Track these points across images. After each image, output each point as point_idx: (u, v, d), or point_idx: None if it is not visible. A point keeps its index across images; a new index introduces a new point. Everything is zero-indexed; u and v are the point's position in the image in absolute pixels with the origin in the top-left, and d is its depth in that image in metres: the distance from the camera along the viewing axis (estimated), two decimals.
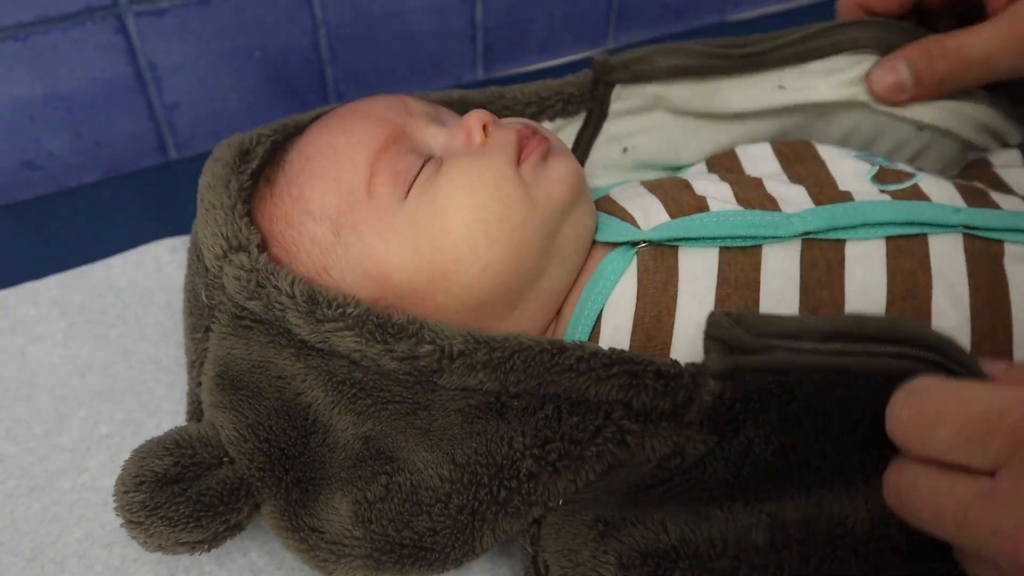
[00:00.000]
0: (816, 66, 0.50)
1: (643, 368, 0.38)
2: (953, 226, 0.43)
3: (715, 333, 0.38)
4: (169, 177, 0.69)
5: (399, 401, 0.41)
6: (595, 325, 0.44)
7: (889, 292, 0.42)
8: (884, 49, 0.49)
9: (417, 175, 0.44)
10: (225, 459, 0.42)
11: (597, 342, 0.44)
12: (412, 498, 0.40)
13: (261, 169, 0.49)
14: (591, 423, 0.39)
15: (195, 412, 0.47)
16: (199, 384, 0.46)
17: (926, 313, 0.42)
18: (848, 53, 0.50)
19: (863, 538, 0.37)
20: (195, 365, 0.46)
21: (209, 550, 0.42)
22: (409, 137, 0.46)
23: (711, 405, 0.38)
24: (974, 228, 0.43)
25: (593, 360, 0.39)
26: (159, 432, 0.52)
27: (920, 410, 0.32)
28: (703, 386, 0.38)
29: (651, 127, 0.54)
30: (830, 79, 0.50)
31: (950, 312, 0.42)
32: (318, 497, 0.41)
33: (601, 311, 0.44)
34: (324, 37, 0.70)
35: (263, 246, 0.45)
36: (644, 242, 0.45)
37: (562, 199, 0.44)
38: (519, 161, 0.44)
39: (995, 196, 0.46)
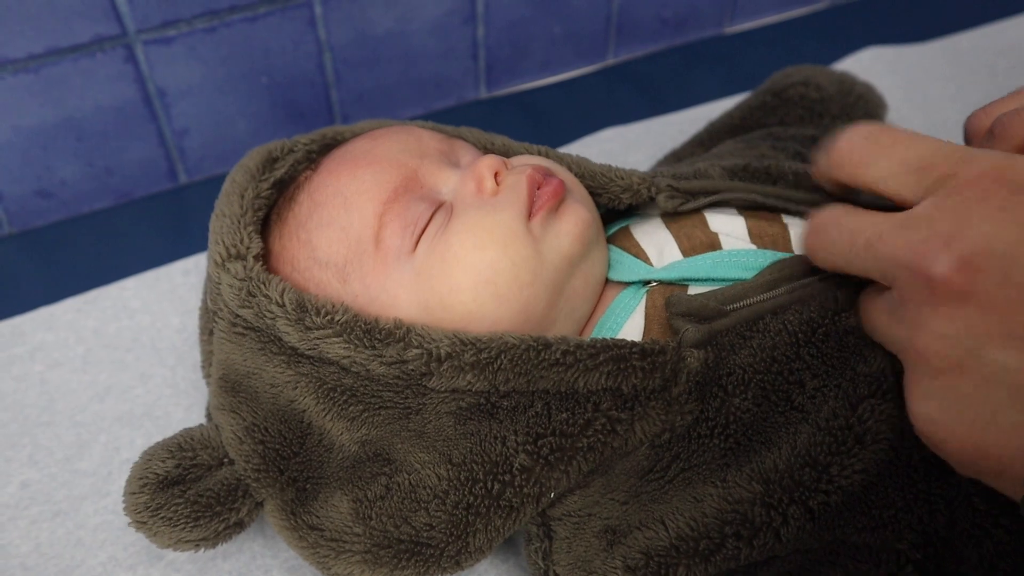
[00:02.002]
0: None
1: (628, 351, 0.40)
2: None
3: (682, 309, 0.42)
4: (180, 201, 0.70)
5: (390, 406, 0.42)
6: None
7: None
8: None
9: (427, 225, 0.44)
10: (225, 460, 0.44)
11: None
12: (411, 496, 0.41)
13: (290, 175, 0.49)
14: (581, 416, 0.40)
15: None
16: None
17: None
18: None
19: (853, 489, 0.38)
20: (204, 366, 0.49)
21: (213, 547, 0.44)
22: (420, 183, 0.45)
23: (698, 371, 0.40)
24: None
25: (579, 352, 0.40)
26: None
27: (876, 136, 0.37)
28: (686, 358, 0.40)
29: None
30: None
31: None
32: (317, 496, 0.43)
33: None
34: (329, 60, 0.71)
35: (263, 256, 0.46)
36: (655, 281, 0.45)
37: (571, 253, 0.44)
38: (530, 214, 0.43)
39: None
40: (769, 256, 0.44)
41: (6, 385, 0.57)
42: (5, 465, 0.53)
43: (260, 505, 0.44)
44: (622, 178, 0.48)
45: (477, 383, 0.40)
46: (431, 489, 0.41)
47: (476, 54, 0.76)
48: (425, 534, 0.41)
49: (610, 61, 0.82)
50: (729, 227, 0.46)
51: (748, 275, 0.43)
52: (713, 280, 0.44)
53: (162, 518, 0.42)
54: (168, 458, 0.43)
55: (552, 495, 0.41)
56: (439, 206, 0.44)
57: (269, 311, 0.42)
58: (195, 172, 0.72)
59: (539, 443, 0.40)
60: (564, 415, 0.40)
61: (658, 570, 0.39)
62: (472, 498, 0.41)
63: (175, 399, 0.56)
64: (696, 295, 0.42)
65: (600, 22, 0.79)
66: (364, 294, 0.44)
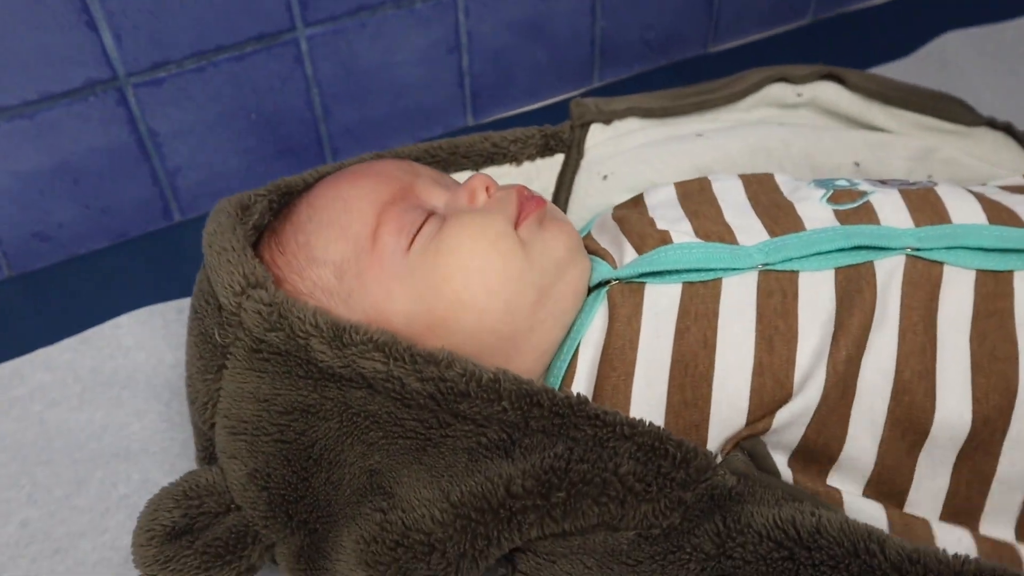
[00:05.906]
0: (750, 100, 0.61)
1: (666, 436, 0.41)
2: (899, 248, 0.45)
3: (748, 447, 0.44)
4: (175, 238, 0.72)
5: (410, 436, 0.42)
6: (572, 360, 0.46)
7: (837, 316, 0.44)
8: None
9: (420, 228, 0.46)
10: (232, 506, 0.44)
11: (572, 375, 0.46)
12: (404, 542, 0.41)
13: (262, 223, 0.51)
14: (598, 474, 0.40)
15: (207, 455, 0.48)
16: (211, 426, 0.47)
17: (861, 341, 0.44)
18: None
19: None
20: (208, 407, 0.47)
21: None
22: (415, 195, 0.49)
23: (722, 493, 0.40)
24: (918, 249, 0.45)
25: (618, 415, 0.41)
26: None
27: None
28: (722, 474, 0.41)
29: (625, 148, 0.58)
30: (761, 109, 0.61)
31: (885, 336, 0.44)
32: (328, 536, 0.43)
33: (577, 347, 0.46)
34: (317, 95, 0.72)
35: (277, 284, 0.47)
36: (614, 280, 0.47)
37: (557, 257, 0.47)
38: (517, 222, 0.47)
39: (949, 205, 0.48)
40: (717, 248, 0.46)
41: (6, 426, 0.58)
42: (5, 505, 0.54)
43: (271, 548, 0.44)
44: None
45: (511, 412, 0.41)
46: (426, 535, 0.41)
47: (462, 83, 0.78)
48: None
49: (596, 84, 0.83)
50: (677, 226, 0.49)
51: (701, 264, 0.46)
52: (671, 273, 0.46)
53: (172, 571, 0.42)
54: (174, 508, 0.43)
55: (535, 534, 0.41)
56: (431, 214, 0.48)
57: (303, 331, 0.42)
58: (189, 210, 0.73)
59: (550, 494, 0.40)
60: (584, 467, 0.40)
61: None
62: (474, 551, 0.41)
63: (170, 434, 0.57)
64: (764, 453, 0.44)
65: (584, 47, 0.81)
66: (359, 289, 0.46)
